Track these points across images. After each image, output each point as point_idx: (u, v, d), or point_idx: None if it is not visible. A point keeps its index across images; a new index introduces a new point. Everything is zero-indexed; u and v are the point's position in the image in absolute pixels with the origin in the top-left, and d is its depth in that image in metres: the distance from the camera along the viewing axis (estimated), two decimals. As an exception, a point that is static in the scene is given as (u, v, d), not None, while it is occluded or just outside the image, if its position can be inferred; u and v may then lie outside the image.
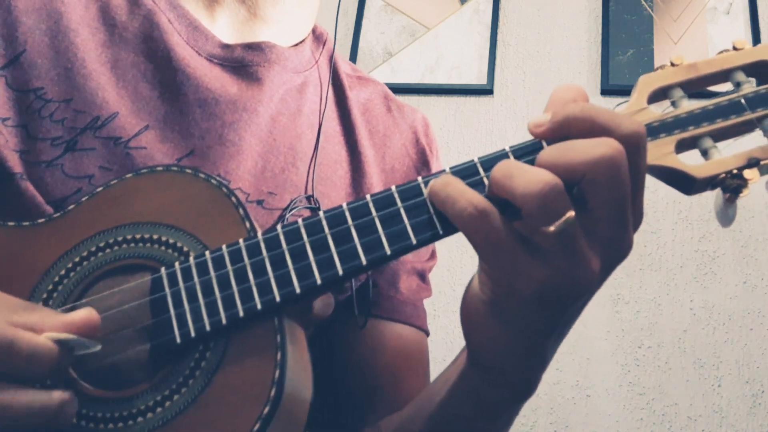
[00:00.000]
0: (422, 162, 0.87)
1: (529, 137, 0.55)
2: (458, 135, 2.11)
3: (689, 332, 1.80)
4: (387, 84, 2.17)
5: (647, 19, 2.11)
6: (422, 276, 0.87)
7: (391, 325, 0.82)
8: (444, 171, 0.55)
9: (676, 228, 1.92)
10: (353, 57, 2.22)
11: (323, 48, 0.85)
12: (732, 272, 1.85)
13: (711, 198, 0.55)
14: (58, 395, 0.49)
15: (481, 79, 2.13)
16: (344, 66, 0.87)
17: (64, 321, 0.50)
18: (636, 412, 1.75)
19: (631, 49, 2.07)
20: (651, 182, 2.04)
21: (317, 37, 0.85)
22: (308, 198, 0.75)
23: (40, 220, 0.61)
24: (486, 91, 2.12)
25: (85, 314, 0.51)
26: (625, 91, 1.98)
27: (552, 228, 0.49)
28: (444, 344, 1.78)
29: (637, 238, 1.96)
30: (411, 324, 0.83)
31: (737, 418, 1.71)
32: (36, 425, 0.48)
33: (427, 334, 0.86)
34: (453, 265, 1.93)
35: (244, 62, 0.74)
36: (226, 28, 0.77)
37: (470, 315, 0.56)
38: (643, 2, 2.13)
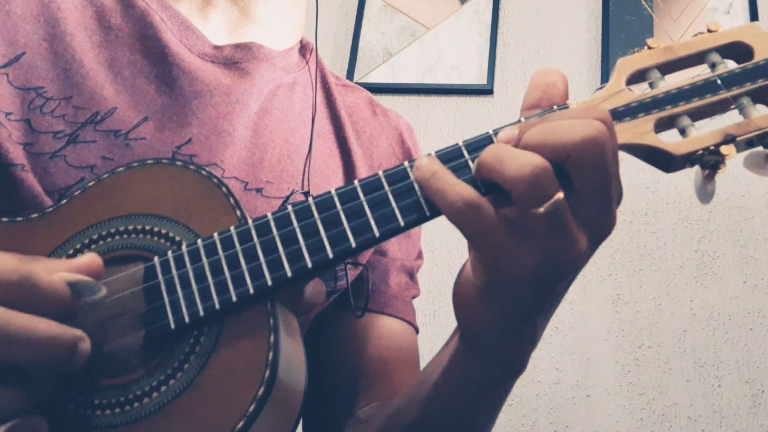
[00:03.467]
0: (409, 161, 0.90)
1: None
2: (458, 135, 2.11)
3: (689, 332, 1.80)
4: (387, 84, 2.20)
5: (647, 19, 2.11)
6: (411, 274, 0.88)
7: (383, 318, 0.84)
8: (429, 155, 0.56)
9: (676, 228, 1.91)
10: (353, 57, 2.22)
11: (310, 55, 0.88)
12: (732, 272, 1.84)
13: (693, 181, 0.56)
14: (72, 330, 0.49)
15: (481, 79, 2.14)
16: (330, 75, 0.90)
17: (71, 264, 0.52)
18: (636, 412, 1.75)
19: (631, 49, 2.08)
20: (651, 181, 2.03)
21: (303, 46, 0.89)
22: (305, 194, 0.76)
23: (33, 215, 0.62)
24: (486, 91, 2.13)
25: (89, 258, 0.53)
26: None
27: (542, 210, 0.50)
28: (444, 343, 1.78)
29: (637, 238, 1.96)
30: (402, 318, 0.85)
31: (737, 418, 1.70)
32: (49, 357, 0.48)
33: (417, 330, 0.87)
34: (453, 266, 1.94)
35: (233, 59, 0.77)
36: (218, 29, 0.80)
37: (462, 298, 0.58)
38: (643, 2, 2.14)
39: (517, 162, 0.50)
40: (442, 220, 0.57)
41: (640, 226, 1.92)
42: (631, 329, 1.83)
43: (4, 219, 0.62)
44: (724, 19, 2.04)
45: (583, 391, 1.79)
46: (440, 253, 1.95)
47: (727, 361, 1.76)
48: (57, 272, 0.51)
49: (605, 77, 2.05)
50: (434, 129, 2.13)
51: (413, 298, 0.88)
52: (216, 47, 0.77)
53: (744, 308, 1.80)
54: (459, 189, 0.52)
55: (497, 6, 2.21)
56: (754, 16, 2.01)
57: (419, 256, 0.91)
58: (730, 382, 1.74)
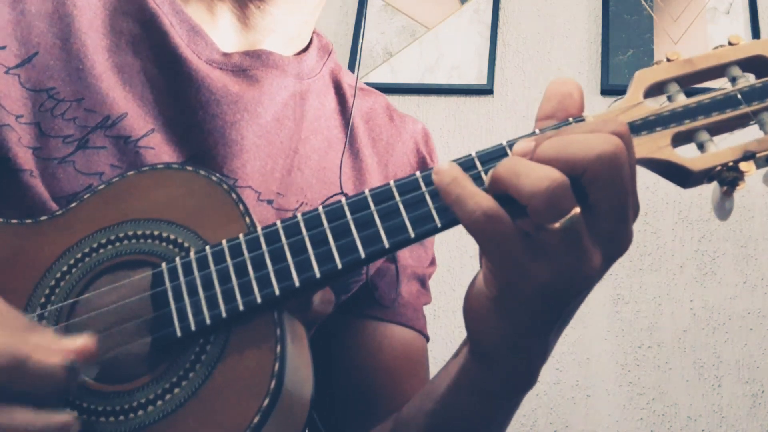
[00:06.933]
0: (423, 170, 0.89)
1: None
2: (458, 135, 2.11)
3: (689, 332, 1.80)
4: (387, 84, 2.19)
5: (647, 19, 2.11)
6: (422, 282, 0.87)
7: (392, 327, 0.83)
8: (451, 162, 0.55)
9: (676, 228, 1.92)
10: (353, 57, 2.22)
11: (328, 58, 0.86)
12: (732, 272, 1.85)
13: (711, 198, 0.55)
14: (59, 418, 0.49)
15: (481, 79, 2.14)
16: (347, 77, 0.88)
17: (67, 346, 0.50)
18: (636, 412, 1.75)
19: (631, 49, 2.07)
20: (651, 181, 2.03)
21: (323, 47, 0.86)
22: (344, 195, 0.76)
23: (42, 218, 0.62)
24: (486, 91, 2.13)
25: (85, 341, 0.51)
26: (625, 91, 1.97)
27: (557, 225, 0.49)
28: (444, 344, 1.78)
29: (637, 238, 1.96)
30: (411, 327, 0.84)
31: (737, 418, 1.71)
32: None
33: (427, 339, 0.87)
34: (453, 266, 1.93)
35: (242, 67, 0.76)
36: (228, 35, 0.78)
37: (474, 310, 0.57)
38: (643, 2, 2.14)
39: (534, 176, 0.49)
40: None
41: (640, 226, 1.92)
42: (631, 329, 1.83)
43: (14, 221, 0.62)
44: (724, 19, 2.04)
45: (583, 391, 1.80)
46: (440, 253, 1.94)
47: (727, 361, 1.76)
48: (55, 353, 0.50)
49: (605, 77, 2.05)
50: (434, 129, 2.12)
51: (424, 305, 0.87)
52: (225, 54, 0.75)
53: (744, 308, 1.81)
54: (479, 198, 0.51)
55: (497, 6, 2.21)
56: (754, 16, 2.01)
57: (432, 263, 0.90)
58: (730, 382, 1.74)
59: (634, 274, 1.88)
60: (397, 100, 2.15)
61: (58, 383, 0.49)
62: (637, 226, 1.98)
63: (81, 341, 0.51)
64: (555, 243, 0.50)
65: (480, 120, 2.12)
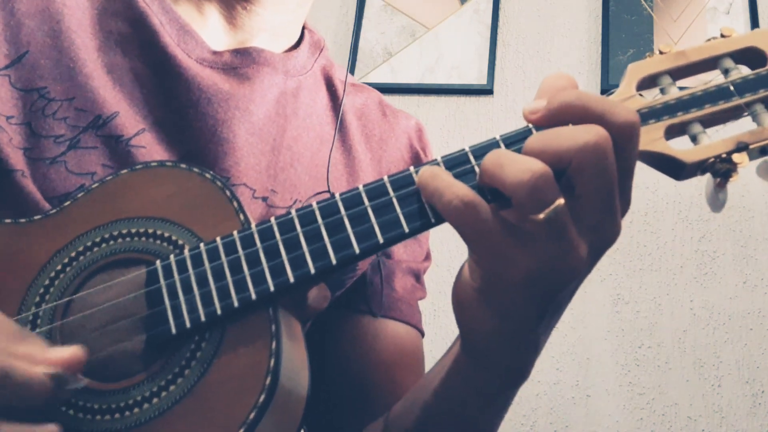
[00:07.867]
0: (417, 166, 0.89)
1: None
2: (458, 135, 2.11)
3: (689, 332, 1.80)
4: (387, 84, 2.20)
5: (647, 19, 2.11)
6: (417, 276, 0.87)
7: (387, 322, 0.83)
8: (435, 160, 0.55)
9: (676, 228, 1.92)
10: (353, 57, 2.22)
11: (319, 55, 0.86)
12: (732, 272, 1.84)
13: (704, 190, 0.55)
14: (45, 429, 0.48)
15: (481, 79, 2.14)
16: (339, 73, 0.88)
17: (54, 357, 0.50)
18: (636, 412, 1.75)
19: (631, 49, 2.08)
20: (651, 182, 2.03)
21: (314, 43, 0.86)
22: (330, 194, 0.76)
23: (36, 217, 0.61)
24: (486, 91, 2.13)
25: (73, 351, 0.51)
26: (625, 91, 1.98)
27: (541, 216, 0.49)
28: (444, 344, 1.76)
29: (637, 238, 1.96)
30: (406, 322, 0.84)
31: (737, 418, 1.71)
32: None
33: (423, 334, 0.86)
34: (453, 265, 1.94)
35: (232, 65, 0.75)
36: (218, 33, 0.78)
37: (461, 301, 0.57)
38: (643, 2, 2.14)
39: (517, 167, 0.49)
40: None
41: (640, 226, 1.92)
42: (631, 329, 1.83)
43: (8, 220, 0.62)
44: (724, 19, 2.04)
45: (583, 391, 1.80)
46: (440, 252, 1.94)
47: (727, 361, 1.76)
48: (39, 364, 0.49)
49: (605, 77, 2.05)
50: (434, 129, 2.12)
51: (419, 300, 0.87)
52: (215, 52, 0.75)
53: (744, 308, 1.81)
54: (456, 188, 0.51)
55: (497, 6, 2.21)
56: (754, 16, 2.01)
57: (427, 257, 0.89)
58: (730, 382, 1.74)
59: (634, 274, 1.88)
60: (397, 100, 2.16)
61: (44, 394, 0.48)
62: (637, 226, 1.98)
63: (69, 352, 0.50)
64: (539, 234, 0.50)
65: (480, 120, 2.12)
